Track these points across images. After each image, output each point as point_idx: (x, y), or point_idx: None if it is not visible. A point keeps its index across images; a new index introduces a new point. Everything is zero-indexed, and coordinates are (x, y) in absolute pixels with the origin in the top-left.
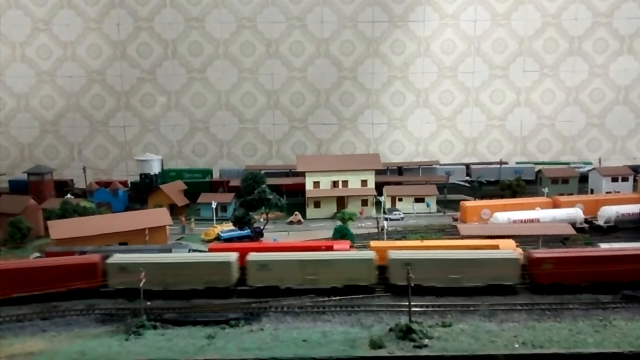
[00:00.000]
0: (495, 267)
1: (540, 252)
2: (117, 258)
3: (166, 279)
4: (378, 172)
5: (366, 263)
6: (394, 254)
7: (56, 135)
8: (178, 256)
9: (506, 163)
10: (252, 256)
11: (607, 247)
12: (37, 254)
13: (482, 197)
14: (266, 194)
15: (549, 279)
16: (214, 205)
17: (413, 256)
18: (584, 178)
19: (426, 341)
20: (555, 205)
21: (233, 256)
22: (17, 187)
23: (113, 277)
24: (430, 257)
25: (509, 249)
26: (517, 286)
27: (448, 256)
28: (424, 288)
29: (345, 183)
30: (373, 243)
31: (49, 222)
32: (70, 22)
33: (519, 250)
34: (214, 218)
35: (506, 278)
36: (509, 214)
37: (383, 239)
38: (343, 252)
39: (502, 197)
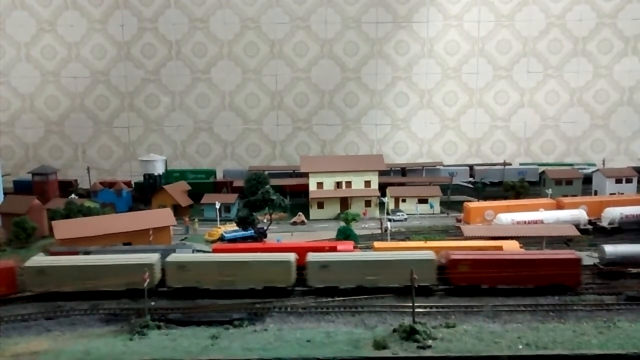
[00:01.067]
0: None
1: (457, 254)
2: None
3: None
4: (381, 173)
5: (284, 265)
6: (311, 257)
7: (61, 136)
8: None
9: (510, 164)
10: (173, 257)
11: (523, 251)
12: (42, 254)
13: (485, 198)
14: (270, 194)
15: (464, 281)
16: (217, 205)
17: (330, 258)
18: (587, 179)
19: (430, 342)
20: (559, 206)
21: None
22: (21, 187)
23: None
24: (347, 259)
25: (427, 251)
26: (434, 287)
27: (364, 258)
28: (341, 290)
29: (348, 184)
30: (376, 244)
31: (54, 222)
32: (75, 23)
33: (522, 248)
34: (218, 218)
35: (422, 279)
36: (513, 215)
37: (387, 240)
38: (261, 254)
39: (505, 198)
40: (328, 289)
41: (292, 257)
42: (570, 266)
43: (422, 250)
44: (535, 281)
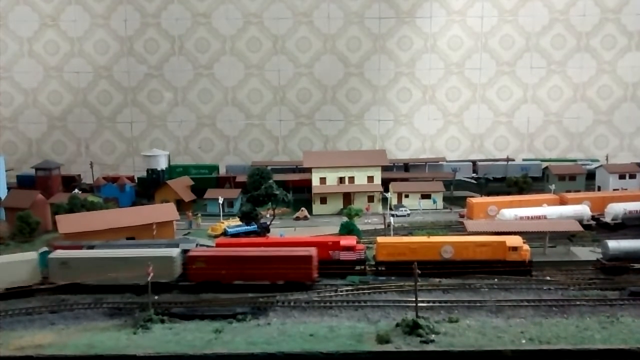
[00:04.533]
0: (152, 265)
1: (196, 251)
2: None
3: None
4: (384, 169)
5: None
6: (54, 254)
7: (64, 131)
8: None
9: (513, 160)
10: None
11: (260, 249)
12: (46, 249)
13: (488, 194)
14: (273, 189)
15: (201, 277)
16: (220, 200)
17: (70, 255)
18: (591, 175)
19: (433, 336)
20: (562, 202)
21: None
22: (25, 182)
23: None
24: (87, 255)
25: (171, 249)
26: (175, 283)
27: (105, 255)
28: (83, 286)
29: (351, 179)
30: (380, 239)
31: (57, 217)
32: (78, 18)
33: (526, 247)
34: (221, 213)
35: (164, 275)
36: (516, 211)
37: (389, 235)
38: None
39: (508, 193)
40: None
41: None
42: (303, 263)
43: (166, 248)
44: (270, 277)
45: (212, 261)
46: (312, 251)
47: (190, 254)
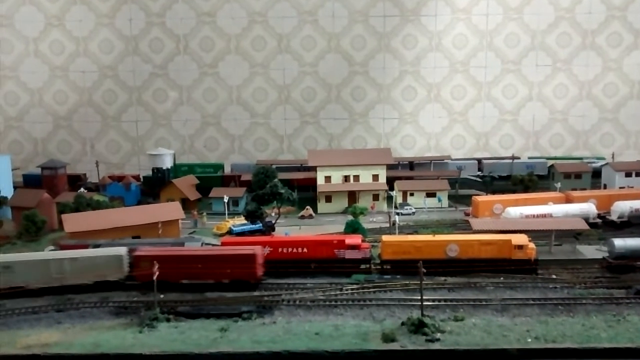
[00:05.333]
0: (100, 265)
1: (142, 251)
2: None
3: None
4: (389, 167)
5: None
6: None
7: (69, 130)
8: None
9: (518, 158)
10: None
11: (205, 248)
12: (52, 247)
13: (494, 192)
14: (278, 188)
15: (147, 277)
16: (225, 199)
17: (13, 259)
18: (597, 173)
19: (438, 335)
20: (568, 200)
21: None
22: (31, 181)
23: None
24: (30, 258)
25: (118, 248)
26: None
27: (49, 257)
28: (30, 291)
29: (356, 178)
30: (385, 238)
31: (63, 216)
32: (83, 18)
33: (532, 245)
34: (226, 212)
35: (112, 275)
36: (522, 209)
37: (395, 234)
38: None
39: (514, 192)
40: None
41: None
42: (247, 262)
43: (113, 248)
44: (215, 276)
45: (157, 261)
46: (257, 250)
47: (136, 253)
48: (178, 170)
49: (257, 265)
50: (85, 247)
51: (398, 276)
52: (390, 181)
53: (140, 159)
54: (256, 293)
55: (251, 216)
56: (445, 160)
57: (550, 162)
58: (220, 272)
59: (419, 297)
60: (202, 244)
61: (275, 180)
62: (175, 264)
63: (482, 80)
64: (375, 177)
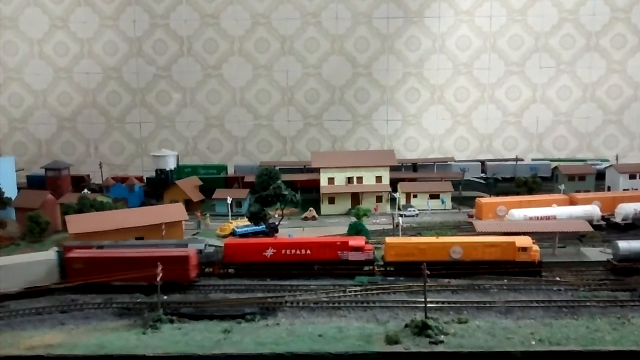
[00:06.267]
0: (31, 270)
1: (75, 253)
2: None
3: None
4: (393, 169)
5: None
6: None
7: (73, 132)
8: None
9: (522, 160)
10: None
11: (138, 250)
12: (56, 249)
13: (497, 194)
14: (282, 190)
15: (80, 279)
16: (229, 201)
17: None
18: (601, 175)
19: (442, 337)
20: (572, 202)
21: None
22: (35, 183)
23: None
24: None
25: (48, 253)
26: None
27: None
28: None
29: (360, 179)
30: (388, 240)
31: (67, 217)
32: (87, 20)
33: (536, 247)
34: (230, 214)
35: (44, 280)
36: (526, 211)
37: (398, 236)
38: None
39: (518, 194)
40: None
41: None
42: (180, 264)
43: (43, 253)
44: (148, 279)
45: (90, 263)
46: (190, 252)
47: (68, 256)
48: (182, 171)
49: (191, 267)
50: (89, 248)
51: (402, 278)
52: (394, 183)
53: (144, 161)
54: (260, 295)
55: (255, 218)
56: (449, 163)
57: (554, 165)
58: (154, 274)
59: (423, 300)
60: (205, 245)
61: (279, 182)
62: (107, 266)
63: (486, 83)
64: (379, 179)
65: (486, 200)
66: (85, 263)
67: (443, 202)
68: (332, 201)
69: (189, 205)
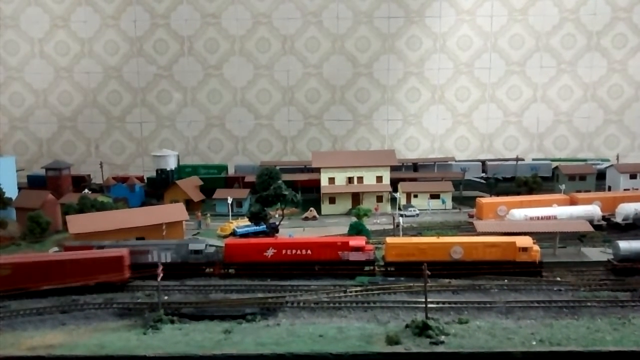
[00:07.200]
0: None
1: (1, 258)
2: None
3: None
4: (393, 169)
5: None
6: None
7: (74, 131)
8: None
9: (522, 160)
10: None
11: (67, 253)
12: (56, 249)
13: (498, 194)
14: (282, 189)
15: (7, 285)
16: (229, 201)
17: None
18: (601, 175)
19: (442, 338)
20: (573, 202)
21: None
22: (35, 182)
23: None
24: None
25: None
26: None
27: None
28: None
29: (360, 179)
30: (389, 239)
31: (68, 217)
32: (88, 19)
33: (536, 247)
34: (230, 214)
35: None
36: (526, 211)
37: (399, 236)
38: None
39: (518, 193)
40: None
41: None
42: (113, 264)
43: None
44: (79, 280)
45: (17, 268)
46: (124, 252)
47: None
48: (182, 171)
49: (124, 268)
50: (90, 248)
51: (402, 278)
52: (394, 183)
53: (144, 160)
54: (260, 295)
55: (255, 218)
56: (449, 162)
57: (555, 164)
58: (85, 276)
59: (423, 300)
60: (205, 245)
61: (279, 181)
62: (38, 270)
63: (487, 82)
64: (379, 179)
65: (486, 200)
66: (12, 268)
67: (443, 202)
68: (332, 201)
69: (190, 205)
